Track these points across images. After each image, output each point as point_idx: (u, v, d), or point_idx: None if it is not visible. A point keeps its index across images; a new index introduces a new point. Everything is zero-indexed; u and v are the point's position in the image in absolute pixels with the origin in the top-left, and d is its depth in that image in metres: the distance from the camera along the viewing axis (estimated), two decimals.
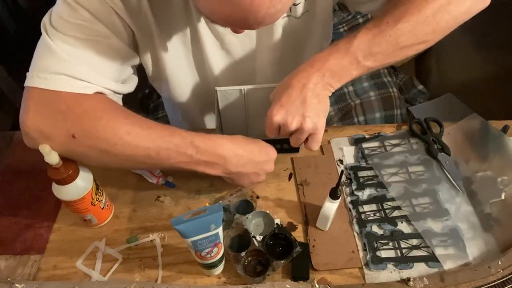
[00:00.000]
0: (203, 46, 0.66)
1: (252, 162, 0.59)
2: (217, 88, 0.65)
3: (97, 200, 0.60)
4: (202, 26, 0.63)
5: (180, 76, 0.71)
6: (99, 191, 0.61)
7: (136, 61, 0.64)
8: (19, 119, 0.52)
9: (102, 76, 0.55)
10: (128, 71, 0.63)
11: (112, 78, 0.58)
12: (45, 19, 0.53)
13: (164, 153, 0.54)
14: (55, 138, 0.51)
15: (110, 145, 0.52)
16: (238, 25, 0.48)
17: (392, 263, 0.58)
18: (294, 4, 0.66)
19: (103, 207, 0.62)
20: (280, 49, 0.72)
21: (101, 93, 0.56)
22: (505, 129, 0.75)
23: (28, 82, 0.52)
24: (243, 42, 0.69)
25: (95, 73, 0.54)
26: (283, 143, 0.73)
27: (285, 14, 0.67)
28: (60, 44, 0.51)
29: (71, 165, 0.54)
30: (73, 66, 0.51)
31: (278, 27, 0.68)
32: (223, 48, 0.68)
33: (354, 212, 0.65)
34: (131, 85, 0.65)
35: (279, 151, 0.71)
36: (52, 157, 0.51)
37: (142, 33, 0.60)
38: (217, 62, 0.70)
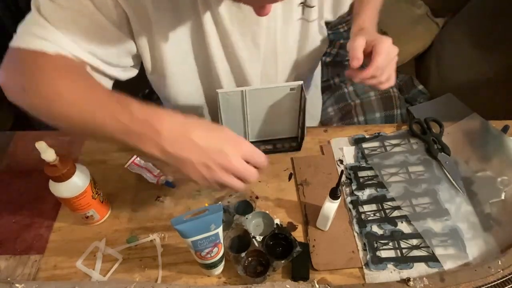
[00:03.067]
0: (207, 41, 0.65)
1: (197, 148, 0.48)
2: (218, 91, 0.65)
3: (96, 194, 0.60)
4: (208, 21, 0.62)
5: (179, 71, 0.69)
6: (96, 184, 0.61)
7: (128, 47, 0.62)
8: None
9: (77, 46, 0.55)
10: (121, 56, 0.62)
11: (91, 52, 0.57)
12: None
13: (99, 119, 0.49)
14: (12, 89, 0.54)
15: (50, 101, 0.52)
16: None
17: (392, 263, 0.58)
18: (309, 6, 0.67)
19: (103, 201, 0.63)
20: (288, 52, 0.74)
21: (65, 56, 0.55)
22: (505, 129, 0.75)
23: (11, 42, 0.55)
24: (249, 48, 0.69)
25: (70, 41, 0.55)
26: (277, 143, 0.74)
27: (299, 16, 0.69)
28: (43, 6, 0.53)
29: (68, 161, 0.55)
30: (48, 31, 0.53)
31: (288, 31, 0.70)
32: (226, 50, 0.68)
33: (354, 212, 0.65)
34: (126, 73, 0.65)
35: (273, 151, 0.72)
36: (48, 154, 0.51)
37: (138, 18, 0.58)
38: (222, 65, 0.70)
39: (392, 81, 0.67)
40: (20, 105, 0.53)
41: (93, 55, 0.58)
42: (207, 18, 0.62)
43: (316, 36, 0.74)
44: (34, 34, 0.53)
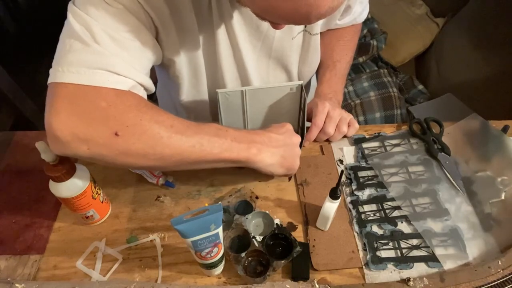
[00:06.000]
0: (218, 50, 0.67)
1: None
2: (218, 90, 0.65)
3: (96, 194, 0.60)
4: (221, 32, 0.64)
5: (192, 74, 0.71)
6: (96, 184, 0.61)
7: (159, 58, 0.61)
8: (46, 123, 0.46)
9: (135, 70, 0.52)
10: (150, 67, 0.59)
11: (144, 72, 0.54)
12: (72, 4, 0.48)
13: (212, 148, 0.53)
14: (95, 139, 0.46)
15: (157, 138, 0.49)
16: (297, 21, 0.47)
17: (392, 263, 0.58)
18: None
19: (103, 201, 0.63)
20: (293, 62, 0.78)
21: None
22: (505, 129, 0.75)
23: (56, 78, 0.46)
24: (257, 58, 0.72)
25: (129, 66, 0.50)
26: None
27: (302, 29, 0.71)
28: (93, 32, 0.47)
29: (68, 161, 0.55)
30: (107, 58, 0.48)
31: (293, 43, 0.73)
32: (235, 58, 0.70)
33: (354, 212, 0.65)
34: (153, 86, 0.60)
35: None
36: (48, 154, 0.51)
37: (162, 25, 0.57)
38: (229, 70, 0.72)
39: (351, 129, 0.75)
40: (100, 156, 0.47)
41: (145, 74, 0.55)
42: (221, 29, 0.64)
43: (316, 48, 0.77)
44: (96, 68, 0.47)
